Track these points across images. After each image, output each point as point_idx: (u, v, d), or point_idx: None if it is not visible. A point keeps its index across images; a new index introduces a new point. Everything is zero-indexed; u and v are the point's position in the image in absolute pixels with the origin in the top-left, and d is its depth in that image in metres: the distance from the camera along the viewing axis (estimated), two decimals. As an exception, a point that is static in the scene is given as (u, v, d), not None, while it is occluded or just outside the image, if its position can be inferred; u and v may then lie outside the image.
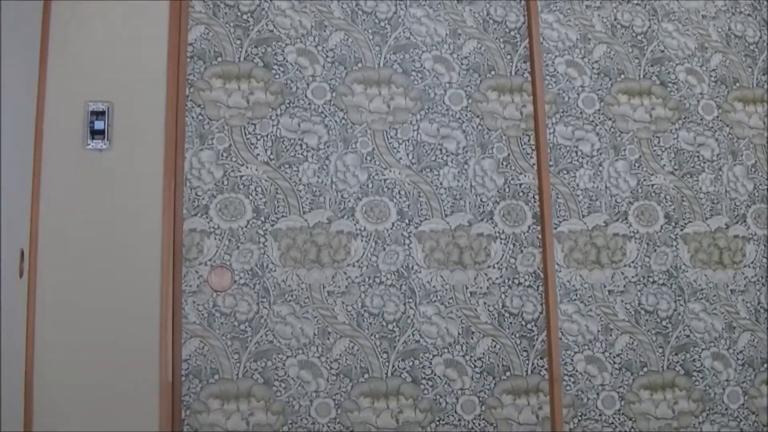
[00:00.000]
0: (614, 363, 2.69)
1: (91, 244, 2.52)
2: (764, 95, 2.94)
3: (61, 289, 2.51)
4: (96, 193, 2.53)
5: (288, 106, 2.68)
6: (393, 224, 2.65)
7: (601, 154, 2.80)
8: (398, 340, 2.60)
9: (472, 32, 2.83)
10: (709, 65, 2.95)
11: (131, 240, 2.53)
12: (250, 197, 2.61)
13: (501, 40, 2.85)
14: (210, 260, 2.57)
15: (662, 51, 2.93)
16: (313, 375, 2.57)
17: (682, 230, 2.80)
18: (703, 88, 2.92)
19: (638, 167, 2.82)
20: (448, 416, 2.61)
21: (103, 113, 2.54)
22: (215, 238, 2.57)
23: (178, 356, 2.51)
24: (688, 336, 2.75)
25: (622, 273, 2.74)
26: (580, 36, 2.88)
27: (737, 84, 2.95)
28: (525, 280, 2.69)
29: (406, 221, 2.66)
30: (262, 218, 2.60)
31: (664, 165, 2.83)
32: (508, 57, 2.84)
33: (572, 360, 2.67)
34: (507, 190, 2.74)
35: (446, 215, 2.69)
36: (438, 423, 2.61)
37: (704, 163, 2.87)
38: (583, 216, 2.75)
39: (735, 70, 2.97)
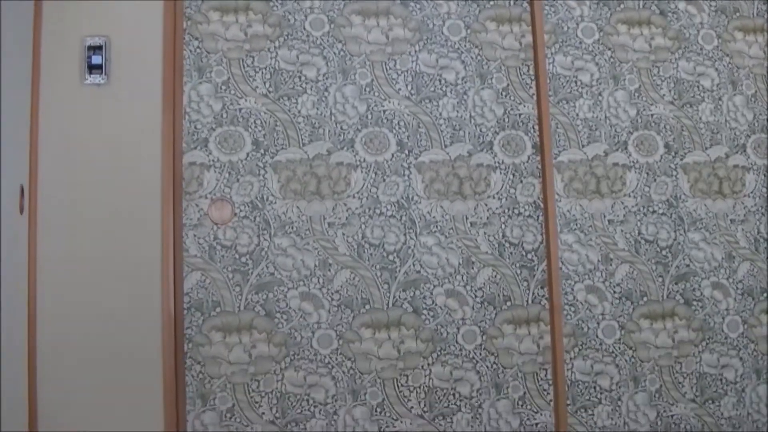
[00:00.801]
0: (614, 292, 2.75)
1: (90, 180, 2.58)
2: (764, 25, 2.99)
3: (61, 225, 2.57)
4: (94, 129, 2.57)
5: (286, 38, 2.72)
6: (393, 155, 2.70)
7: (600, 84, 2.85)
8: (399, 271, 2.66)
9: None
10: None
11: (131, 174, 2.59)
12: (250, 130, 2.66)
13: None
14: (210, 193, 2.61)
15: (661, -19, 2.96)
16: (315, 306, 2.62)
17: (681, 160, 2.85)
18: (703, 18, 2.96)
19: (638, 97, 2.87)
20: (449, 346, 2.67)
21: (100, 48, 2.58)
22: (215, 171, 2.62)
23: (180, 289, 2.56)
24: (687, 265, 2.81)
25: (622, 203, 2.80)
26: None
27: (737, 14, 2.99)
28: (525, 210, 2.75)
29: (406, 152, 2.71)
30: (262, 151, 2.65)
31: (664, 95, 2.88)
32: (507, -12, 2.87)
33: (572, 289, 2.73)
34: (506, 120, 2.79)
35: (446, 146, 2.74)
36: (439, 353, 2.67)
37: (704, 93, 2.91)
38: (583, 146, 2.80)
39: (735, -1, 3.00)
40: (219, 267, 2.57)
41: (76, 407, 2.50)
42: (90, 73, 2.57)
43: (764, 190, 2.89)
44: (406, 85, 2.74)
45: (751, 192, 2.89)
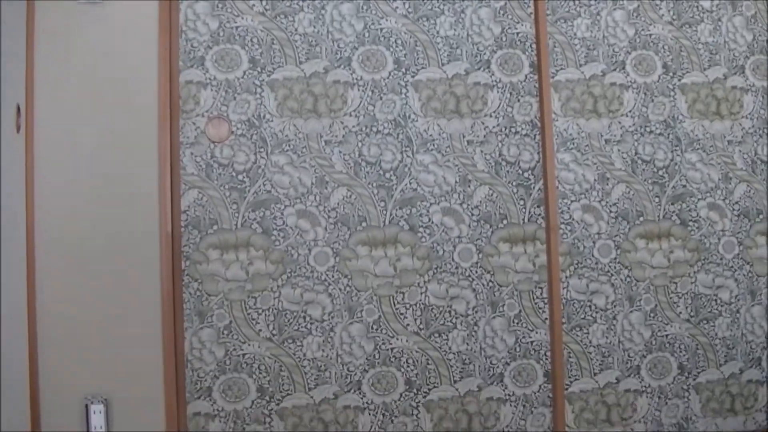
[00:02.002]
0: (610, 212, 2.84)
1: (86, 99, 2.65)
2: (765, -55, 3.04)
3: (58, 144, 2.64)
4: (91, 47, 2.65)
5: (281, -45, 2.77)
6: (389, 73, 2.77)
7: (599, 2, 2.91)
8: (395, 189, 2.74)
9: None
10: None
11: (127, 94, 2.67)
12: (246, 48, 2.73)
13: None
14: (207, 112, 2.69)
15: None
16: (311, 224, 2.71)
17: (679, 80, 2.93)
18: (702, -62, 3.01)
19: (636, 17, 2.94)
20: (445, 264, 2.77)
21: (95, -35, 2.62)
22: (212, 90, 2.69)
23: (177, 207, 2.64)
24: (684, 186, 2.90)
25: (619, 122, 2.88)
26: None
27: (737, -66, 3.05)
28: (522, 128, 2.83)
29: (403, 70, 2.78)
30: (259, 69, 2.72)
31: (663, 15, 2.95)
32: None
33: (569, 208, 2.82)
34: (504, 38, 2.86)
35: (443, 64, 2.81)
36: (435, 271, 2.76)
37: (703, 13, 2.98)
38: (581, 65, 2.87)
39: None
40: (216, 185, 2.65)
41: (76, 325, 2.60)
42: (85, -10, 2.61)
43: (762, 111, 2.96)
44: (404, 3, 2.81)
45: (749, 113, 2.97)
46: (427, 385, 2.72)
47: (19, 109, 2.46)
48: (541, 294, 2.79)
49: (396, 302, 2.71)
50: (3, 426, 2.17)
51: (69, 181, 2.62)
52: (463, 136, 2.79)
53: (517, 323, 2.77)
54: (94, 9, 2.62)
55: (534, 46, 2.86)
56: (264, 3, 2.73)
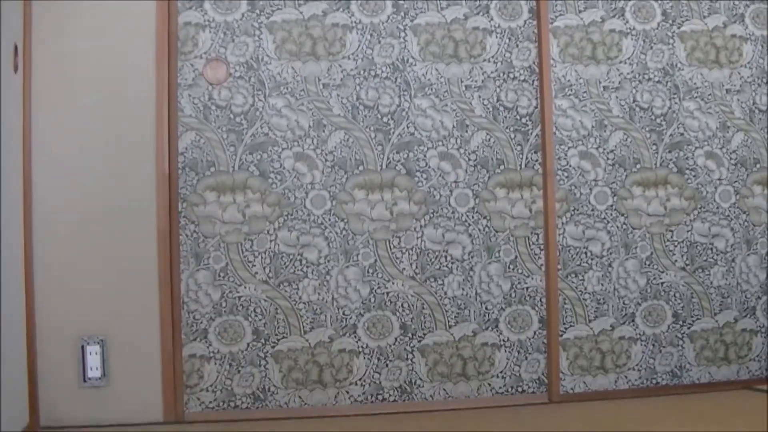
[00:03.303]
0: (608, 159, 2.93)
1: (84, 38, 2.75)
2: None
3: (55, 85, 2.73)
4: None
5: None
6: (388, 17, 2.85)
7: (598, -49, 2.98)
8: (393, 133, 2.83)
9: None
10: None
11: (126, 33, 2.77)
12: (244, -11, 2.79)
13: None
14: (205, 53, 2.77)
15: None
16: (308, 167, 2.80)
17: (679, 28, 3.01)
18: None
19: (636, -36, 3.00)
20: (441, 209, 2.86)
21: None
22: (210, 32, 2.77)
23: (175, 149, 2.73)
24: (681, 134, 2.98)
25: (618, 69, 2.96)
26: None
27: None
28: (520, 74, 2.91)
29: (402, 14, 2.86)
30: (257, 11, 2.80)
31: (663, -38, 3.01)
32: None
33: (566, 155, 2.91)
34: (503, -15, 2.93)
35: (442, 8, 2.89)
36: (432, 215, 2.86)
37: (703, -40, 3.05)
38: (580, 11, 2.95)
39: None
40: (213, 127, 2.74)
41: (72, 267, 2.72)
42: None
43: (761, 60, 3.04)
44: (403, -53, 2.87)
45: (748, 62, 3.05)
46: (423, 329, 2.81)
47: (16, 48, 2.52)
48: (537, 240, 2.88)
49: (392, 246, 2.81)
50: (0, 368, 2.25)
51: (66, 123, 2.71)
52: (461, 81, 2.87)
53: (513, 269, 2.87)
54: (91, -51, 2.66)
55: (533, -9, 2.92)
56: (262, -53, 2.79)
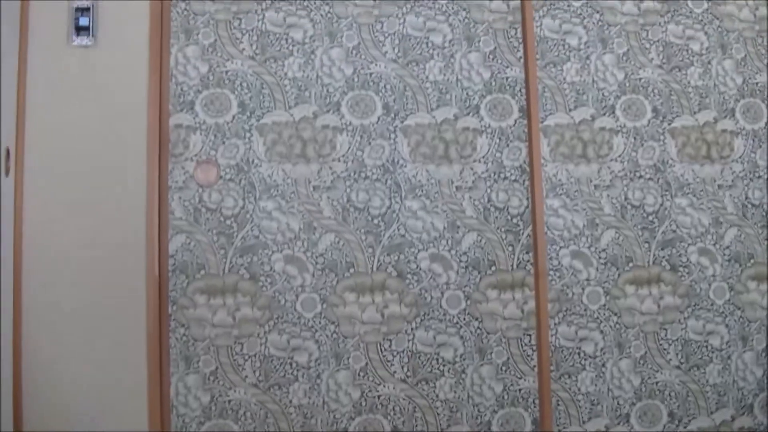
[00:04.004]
0: (600, 258, 2.95)
1: (76, 142, 2.78)
2: (756, -11, 3.17)
3: (47, 188, 2.76)
4: (81, 90, 2.77)
5: (273, 0, 2.89)
6: (378, 118, 2.89)
7: (588, 47, 3.04)
8: (383, 235, 2.85)
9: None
10: (700, -42, 3.17)
11: (117, 136, 2.79)
12: (236, 92, 2.84)
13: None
14: (196, 156, 2.81)
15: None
16: (299, 270, 2.82)
17: (669, 124, 3.04)
18: (693, -19, 3.14)
19: (626, 61, 3.05)
20: (433, 311, 2.88)
21: (87, 9, 2.75)
22: (201, 134, 2.81)
23: (165, 252, 2.76)
24: (674, 231, 3.01)
25: (609, 167, 2.99)
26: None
27: (728, -24, 3.17)
28: (511, 174, 2.94)
29: (392, 115, 2.90)
30: (248, 113, 2.84)
31: (653, 59, 3.07)
32: (495, -50, 3.05)
33: (558, 254, 2.93)
34: (493, 83, 2.98)
35: (432, 109, 2.93)
36: (423, 317, 2.87)
37: (693, 56, 3.10)
38: (570, 110, 2.99)
39: (726, -38, 3.18)
40: (204, 229, 2.76)
41: (62, 372, 2.71)
42: (77, 34, 2.74)
43: (753, 155, 3.07)
44: (393, 48, 2.93)
45: (740, 157, 3.08)
46: (415, 432, 2.82)
47: (8, 152, 2.56)
48: (529, 341, 2.89)
49: (383, 349, 2.81)
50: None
51: (58, 225, 2.74)
52: (452, 182, 2.89)
53: (505, 370, 2.87)
54: (85, 51, 2.74)
55: (523, 90, 2.96)
56: (254, 47, 2.85)
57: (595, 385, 2.92)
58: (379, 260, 2.83)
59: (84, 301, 2.72)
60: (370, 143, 2.87)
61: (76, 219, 2.73)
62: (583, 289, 2.93)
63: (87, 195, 2.73)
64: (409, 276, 2.84)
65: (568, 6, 3.04)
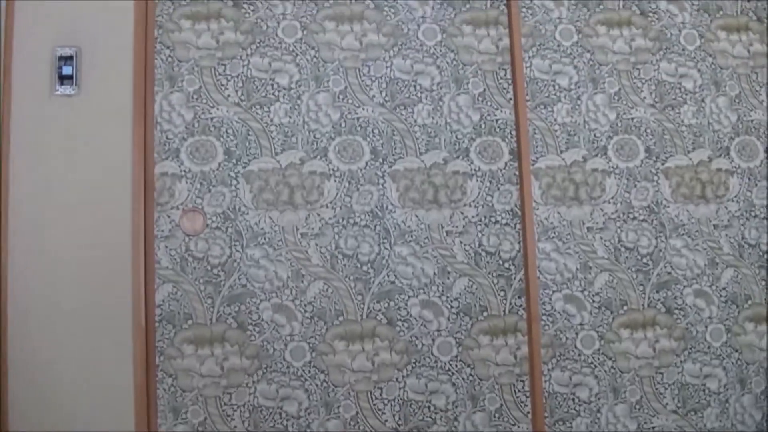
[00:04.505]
0: (593, 301, 2.92)
1: (61, 192, 2.77)
2: (749, 22, 3.14)
3: (31, 238, 2.75)
4: (65, 140, 2.77)
5: (258, 45, 2.90)
6: (366, 164, 2.87)
7: (579, 87, 3.02)
8: (373, 282, 2.83)
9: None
10: (692, -6, 3.15)
11: (102, 186, 2.77)
12: (222, 139, 2.83)
13: (476, -28, 3.05)
14: (182, 204, 2.80)
15: (643, -20, 3.12)
16: (287, 318, 2.80)
17: (663, 164, 3.02)
18: (684, 17, 3.13)
19: (618, 100, 3.04)
20: (424, 358, 2.85)
21: (71, 58, 2.74)
22: (187, 182, 2.80)
23: (152, 302, 2.74)
24: (669, 273, 2.98)
25: (602, 209, 2.97)
26: (558, -34, 3.08)
27: (720, 12, 3.16)
28: (502, 218, 2.92)
29: (380, 160, 2.88)
30: (234, 160, 2.82)
31: (645, 98, 3.05)
32: (483, -10, 3.04)
33: (550, 299, 2.91)
34: (483, 126, 2.96)
35: (421, 153, 2.91)
36: (414, 365, 2.85)
37: (686, 94, 3.08)
38: (561, 152, 2.97)
39: (719, -2, 3.16)
40: (191, 279, 2.75)
41: (47, 422, 2.66)
42: (61, 83, 2.73)
43: (749, 193, 3.04)
44: (381, 92, 2.91)
45: (735, 196, 3.05)
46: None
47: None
48: (522, 387, 2.86)
49: (374, 397, 2.79)
50: None
51: (42, 273, 2.73)
52: (442, 227, 2.88)
53: (499, 417, 2.85)
54: (68, 100, 2.73)
55: (514, 132, 2.94)
56: (239, 93, 2.84)
57: (591, 431, 2.89)
58: (368, 307, 2.81)
59: (69, 352, 2.71)
60: (358, 189, 2.85)
61: (61, 270, 2.71)
62: (576, 333, 2.91)
63: (72, 245, 2.74)
64: (399, 323, 2.83)
65: (558, 46, 3.01)
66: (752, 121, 3.11)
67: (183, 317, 2.74)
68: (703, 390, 3.00)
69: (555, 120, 2.99)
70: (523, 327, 2.89)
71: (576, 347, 2.91)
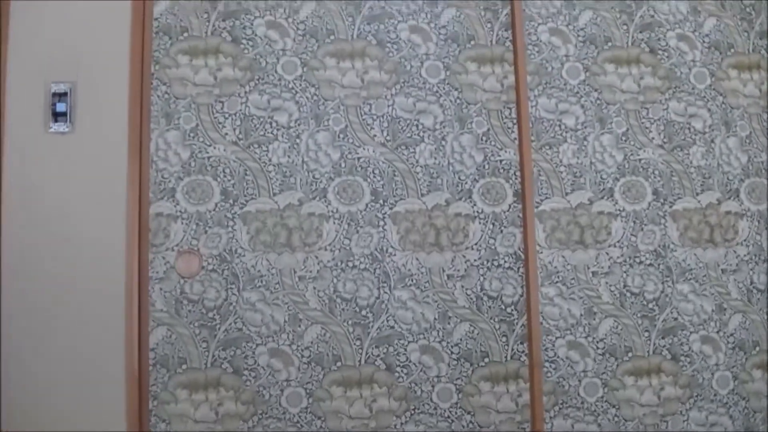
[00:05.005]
0: (597, 348, 2.87)
1: (55, 230, 2.74)
2: (760, 61, 3.08)
3: (24, 278, 2.72)
4: (59, 178, 2.74)
5: (257, 82, 2.84)
6: (367, 205, 2.82)
7: (585, 127, 2.96)
8: (372, 327, 2.78)
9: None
10: (702, 30, 3.09)
11: (96, 226, 2.74)
12: (218, 179, 2.78)
13: (481, 6, 2.98)
14: (177, 245, 2.75)
15: (652, 16, 3.06)
16: (284, 363, 2.76)
17: (671, 207, 2.96)
18: (695, 55, 3.07)
19: (625, 141, 2.98)
20: (423, 404, 2.81)
21: (65, 95, 2.70)
22: (182, 223, 2.75)
23: (145, 345, 2.70)
24: (675, 319, 2.93)
25: (607, 253, 2.91)
26: (565, 1, 3.02)
27: (732, 50, 3.09)
28: (505, 261, 2.87)
29: (381, 202, 2.83)
30: (231, 201, 2.77)
31: (653, 138, 2.99)
32: (489, 25, 2.97)
33: (553, 345, 2.85)
34: (487, 167, 2.91)
35: (422, 195, 2.86)
36: (413, 411, 2.80)
37: (695, 135, 3.02)
38: (567, 194, 2.91)
39: (730, 34, 3.09)
40: (185, 322, 2.71)
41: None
42: (55, 120, 2.69)
43: (758, 237, 2.99)
44: (382, 131, 2.86)
45: (745, 240, 3.00)
46: None
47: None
48: (524, 435, 2.82)
49: (372, 445, 2.75)
50: None
51: (35, 316, 2.70)
52: (443, 271, 2.83)
53: (499, 466, 2.80)
54: (63, 137, 2.69)
55: (518, 174, 2.89)
56: (237, 132, 2.79)
57: (593, 481, 2.85)
58: (367, 353, 2.77)
59: (62, 397, 2.68)
60: (357, 231, 2.80)
61: (53, 309, 2.70)
62: (579, 380, 2.87)
63: (64, 287, 2.71)
64: (398, 369, 2.78)
65: (565, 84, 2.96)
66: (762, 162, 3.05)
67: (177, 361, 2.70)
68: (709, 439, 2.95)
69: (560, 161, 2.93)
70: (525, 373, 2.85)
71: (579, 395, 2.87)
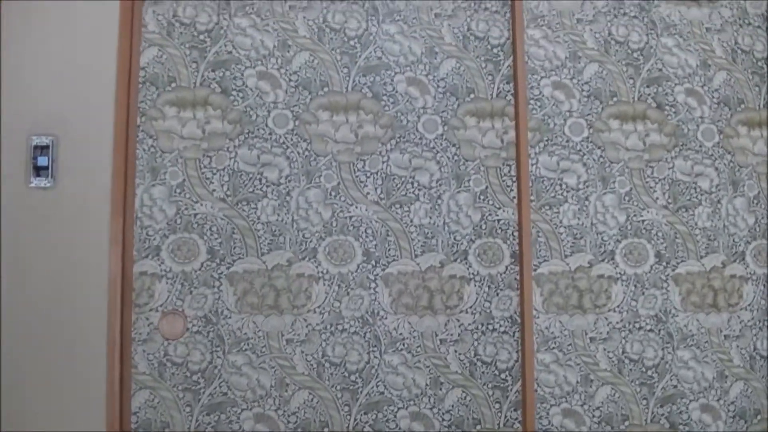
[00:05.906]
0: (593, 416, 2.81)
1: (34, 290, 2.69)
2: (772, 118, 3.00)
3: (2, 333, 2.63)
4: (40, 235, 2.69)
5: (247, 136, 2.76)
6: (358, 266, 2.75)
7: (587, 186, 2.88)
8: (361, 392, 2.73)
9: (451, 50, 2.88)
10: (712, 85, 3.00)
11: (77, 285, 2.69)
12: (205, 237, 2.71)
13: (482, 58, 2.90)
14: (161, 306, 2.69)
15: (660, 69, 2.97)
16: (269, 428, 2.71)
17: (673, 270, 2.89)
18: (704, 111, 2.98)
19: (628, 201, 2.90)
20: None
21: (47, 148, 2.61)
22: (167, 282, 2.68)
23: (127, 409, 2.66)
24: (675, 386, 2.87)
25: (606, 318, 2.84)
26: (570, 54, 2.92)
27: (742, 105, 3.00)
28: (500, 325, 2.80)
29: (373, 262, 2.76)
30: (218, 260, 2.71)
31: (657, 198, 2.91)
32: (490, 78, 2.89)
33: (548, 413, 2.80)
34: (484, 226, 2.83)
35: (416, 255, 2.79)
36: (403, 478, 2.74)
37: (701, 195, 2.94)
38: (566, 256, 2.84)
39: (740, 89, 3.00)
40: (169, 385, 2.65)
41: None
42: (36, 175, 2.62)
43: (763, 302, 2.91)
44: (375, 189, 2.79)
45: (749, 304, 2.93)
46: None
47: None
48: (515, 508, 2.77)
49: None
50: None
51: (12, 379, 2.66)
52: (436, 335, 2.77)
53: None
54: (44, 192, 2.63)
55: (516, 234, 2.82)
56: (225, 188, 2.72)
57: None
58: (355, 419, 2.73)
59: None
60: (348, 293, 2.74)
61: (31, 373, 2.67)
62: (574, 450, 2.80)
63: (44, 347, 2.67)
64: (387, 429, 2.72)
65: (567, 141, 2.87)
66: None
67: (159, 425, 2.67)
68: None
69: (560, 222, 2.86)
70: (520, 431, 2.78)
71: (573, 464, 2.80)
